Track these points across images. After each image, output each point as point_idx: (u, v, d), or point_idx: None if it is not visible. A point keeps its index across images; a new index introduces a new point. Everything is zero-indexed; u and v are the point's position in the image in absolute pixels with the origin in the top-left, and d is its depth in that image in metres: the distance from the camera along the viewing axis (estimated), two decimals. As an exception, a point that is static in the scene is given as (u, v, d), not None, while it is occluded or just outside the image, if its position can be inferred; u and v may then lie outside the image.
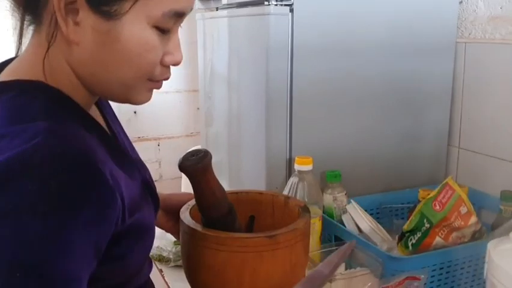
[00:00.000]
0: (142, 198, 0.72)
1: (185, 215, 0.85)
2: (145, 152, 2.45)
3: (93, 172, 0.56)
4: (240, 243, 0.77)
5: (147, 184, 0.77)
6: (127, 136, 0.85)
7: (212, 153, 0.82)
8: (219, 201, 0.83)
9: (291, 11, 1.19)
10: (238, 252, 0.77)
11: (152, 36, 0.64)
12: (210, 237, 0.79)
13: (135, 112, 2.45)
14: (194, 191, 0.83)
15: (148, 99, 0.71)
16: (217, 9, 1.51)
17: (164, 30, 0.65)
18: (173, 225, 0.96)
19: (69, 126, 0.60)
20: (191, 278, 0.85)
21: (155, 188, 0.81)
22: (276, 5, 1.18)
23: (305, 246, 0.85)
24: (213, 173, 0.83)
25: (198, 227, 0.81)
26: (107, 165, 0.59)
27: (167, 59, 0.68)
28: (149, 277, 0.86)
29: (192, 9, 0.69)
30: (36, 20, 0.65)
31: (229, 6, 1.41)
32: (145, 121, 2.48)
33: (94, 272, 0.59)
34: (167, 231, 0.99)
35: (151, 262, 0.89)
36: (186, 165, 0.79)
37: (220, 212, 0.83)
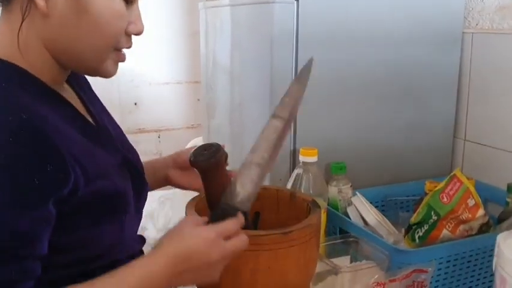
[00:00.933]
0: (116, 170, 0.75)
1: (191, 212, 0.83)
2: (145, 143, 2.43)
3: (30, 127, 0.61)
4: (254, 240, 0.75)
5: (128, 161, 0.81)
6: (112, 121, 0.89)
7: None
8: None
9: (296, -1, 1.16)
10: (253, 250, 0.75)
11: (119, 4, 0.70)
12: None
13: (136, 104, 2.42)
14: (205, 186, 0.81)
15: (115, 71, 0.77)
16: (220, -3, 1.48)
17: (128, 2, 0.71)
18: (192, 178, 0.96)
19: (14, 94, 0.64)
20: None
21: (140, 168, 0.85)
22: (281, -8, 1.16)
23: (317, 241, 0.84)
24: (225, 169, 0.81)
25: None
26: (52, 125, 0.64)
27: (131, 28, 0.73)
28: (141, 252, 0.85)
29: None
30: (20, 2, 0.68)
31: (233, -6, 1.39)
32: (145, 113, 2.45)
33: (64, 243, 0.65)
34: (185, 187, 0.99)
35: (144, 239, 0.89)
36: (199, 161, 0.77)
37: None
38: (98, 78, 0.79)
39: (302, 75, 0.87)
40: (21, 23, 0.67)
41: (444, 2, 1.34)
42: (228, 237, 0.71)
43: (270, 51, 1.19)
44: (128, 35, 0.74)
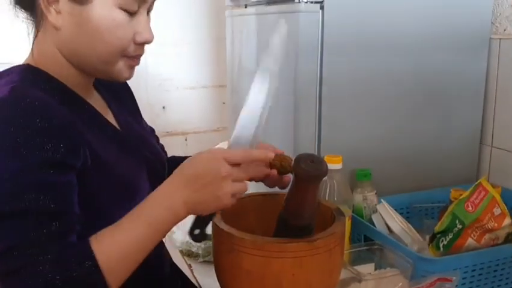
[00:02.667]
0: (128, 162, 0.84)
1: (218, 219, 0.84)
2: (173, 146, 2.47)
3: (38, 112, 0.69)
4: (279, 248, 0.76)
5: (147, 160, 0.90)
6: (141, 124, 1.01)
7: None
8: (311, 213, 0.82)
9: (322, 8, 1.18)
10: (277, 258, 0.76)
11: (119, 15, 0.77)
12: (247, 242, 0.77)
13: (164, 107, 2.48)
14: (293, 195, 0.81)
15: (129, 76, 0.84)
16: (246, 6, 1.51)
17: (130, 12, 0.78)
18: None
19: (30, 89, 0.73)
20: (225, 283, 0.85)
21: (159, 167, 0.93)
22: (306, 2, 1.18)
23: (342, 249, 0.85)
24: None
25: (234, 231, 0.80)
26: (62, 115, 0.72)
27: (138, 37, 0.80)
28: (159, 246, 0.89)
29: None
30: (35, 18, 0.80)
31: (258, 3, 1.41)
32: (173, 116, 2.50)
33: (83, 216, 0.72)
34: None
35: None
36: (304, 170, 0.77)
37: (302, 222, 0.82)
38: (129, 83, 0.84)
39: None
40: (36, 34, 0.80)
41: (471, 7, 1.33)
42: (232, 164, 0.75)
43: (295, 59, 1.20)
44: (137, 44, 0.80)
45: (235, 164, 0.75)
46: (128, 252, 0.72)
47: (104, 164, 0.79)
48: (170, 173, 0.79)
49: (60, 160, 0.70)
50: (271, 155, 0.81)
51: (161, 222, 0.74)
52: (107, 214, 0.76)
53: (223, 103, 2.46)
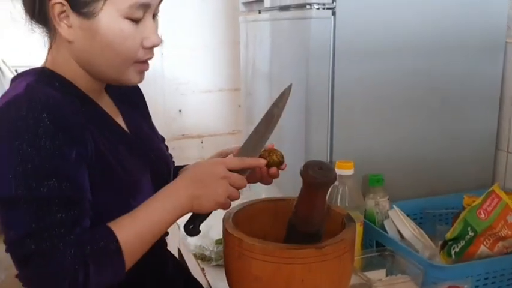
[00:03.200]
0: (131, 159, 0.88)
1: (229, 224, 0.86)
2: (189, 149, 2.51)
3: (48, 108, 0.74)
4: (288, 254, 0.77)
5: (151, 162, 0.93)
6: (151, 128, 1.04)
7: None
8: (320, 219, 0.83)
9: (333, 14, 1.18)
10: (287, 264, 0.77)
11: (125, 25, 0.80)
12: (256, 248, 0.78)
13: (180, 111, 2.51)
14: (302, 201, 0.83)
15: (139, 80, 0.87)
16: (259, 12, 1.52)
17: (136, 20, 0.80)
18: None
19: (42, 87, 0.78)
20: (235, 288, 0.86)
21: (164, 169, 0.97)
22: (318, 8, 1.18)
23: (352, 256, 0.85)
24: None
25: (245, 237, 0.81)
26: (72, 112, 0.77)
27: (146, 42, 0.83)
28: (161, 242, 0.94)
29: (158, 0, 0.83)
30: (49, 31, 0.84)
31: (272, 9, 1.42)
32: (189, 119, 2.53)
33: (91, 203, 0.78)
34: None
35: (167, 233, 0.96)
36: (312, 176, 0.78)
37: (311, 229, 0.83)
38: (145, 88, 0.90)
39: (280, 100, 0.95)
40: (51, 45, 0.85)
41: (486, 11, 1.32)
42: (229, 169, 0.86)
43: (307, 64, 1.21)
44: (145, 48, 0.83)
45: (233, 170, 0.86)
46: (142, 236, 0.80)
47: (109, 163, 0.83)
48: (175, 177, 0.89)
49: (73, 151, 0.76)
50: (264, 162, 0.91)
51: (170, 212, 0.83)
52: (105, 212, 0.79)
53: (239, 106, 2.48)
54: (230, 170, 0.86)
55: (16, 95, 0.76)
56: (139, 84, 0.94)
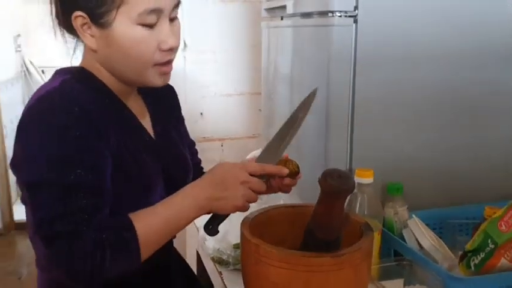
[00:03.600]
0: (147, 162, 0.92)
1: (247, 230, 0.86)
2: (209, 152, 2.53)
3: (72, 106, 0.81)
4: (305, 262, 0.78)
5: (167, 167, 0.96)
6: (180, 134, 1.07)
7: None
8: (338, 227, 0.83)
9: (355, 21, 1.18)
10: (303, 272, 0.78)
11: (138, 31, 0.83)
12: (273, 254, 0.79)
13: (201, 114, 2.54)
14: (320, 209, 0.84)
15: (162, 82, 0.90)
16: (281, 18, 1.52)
17: (149, 25, 0.84)
18: None
19: (75, 84, 0.85)
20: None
21: (178, 174, 0.99)
22: (340, 16, 1.18)
23: (369, 265, 0.85)
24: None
25: (262, 244, 0.81)
26: (98, 108, 0.84)
27: (163, 45, 0.86)
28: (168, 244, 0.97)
29: (171, 4, 0.85)
30: (78, 38, 0.90)
31: (294, 15, 1.42)
32: (210, 122, 2.56)
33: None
34: None
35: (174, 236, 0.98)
36: (330, 185, 0.79)
37: (329, 236, 0.83)
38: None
39: (305, 104, 0.97)
40: (73, 53, 0.92)
41: (508, 20, 1.30)
42: (250, 173, 0.88)
43: (327, 71, 1.22)
44: (163, 51, 0.86)
45: (253, 175, 0.88)
46: (159, 230, 0.84)
47: (126, 160, 0.87)
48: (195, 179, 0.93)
49: (98, 143, 0.82)
50: (286, 171, 0.92)
51: (188, 211, 0.86)
52: (115, 205, 0.84)
53: (259, 110, 2.50)
54: (251, 175, 0.88)
55: (52, 88, 0.83)
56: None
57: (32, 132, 0.80)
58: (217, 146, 2.62)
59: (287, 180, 0.95)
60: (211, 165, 1.07)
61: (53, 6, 0.89)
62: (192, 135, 1.16)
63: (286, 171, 0.92)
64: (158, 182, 0.94)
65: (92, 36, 0.86)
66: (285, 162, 0.94)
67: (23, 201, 0.87)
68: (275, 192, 0.99)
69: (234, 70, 2.53)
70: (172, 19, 0.88)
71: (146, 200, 0.88)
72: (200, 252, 1.48)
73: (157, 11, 0.83)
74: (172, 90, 1.09)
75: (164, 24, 0.85)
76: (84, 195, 0.78)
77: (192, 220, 0.89)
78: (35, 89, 0.91)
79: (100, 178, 0.81)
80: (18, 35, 3.62)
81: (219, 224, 0.91)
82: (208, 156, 2.54)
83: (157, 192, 0.93)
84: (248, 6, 2.45)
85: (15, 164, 0.84)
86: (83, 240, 0.76)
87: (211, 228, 0.91)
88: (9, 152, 2.51)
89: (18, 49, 3.65)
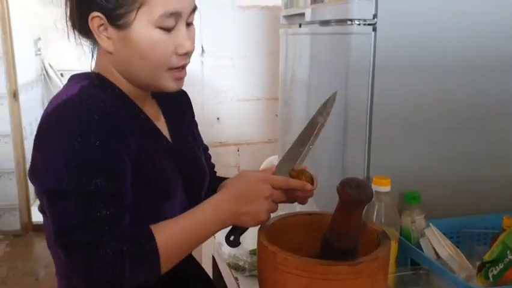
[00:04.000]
0: (165, 167, 0.91)
1: (264, 237, 0.87)
2: (225, 156, 2.55)
3: (90, 109, 0.81)
4: (322, 270, 0.78)
5: (185, 174, 0.95)
6: (195, 139, 1.07)
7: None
8: (355, 236, 0.84)
9: (374, 30, 1.19)
10: (320, 280, 0.78)
11: (156, 34, 0.83)
12: (290, 262, 0.79)
13: (218, 118, 2.55)
14: (338, 218, 0.84)
15: (176, 87, 0.90)
16: (300, 25, 1.53)
17: (168, 29, 0.84)
18: None
19: (94, 90, 0.85)
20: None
21: (197, 180, 0.99)
22: (359, 24, 1.19)
23: (385, 274, 0.85)
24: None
25: (279, 251, 0.82)
26: (117, 114, 0.84)
27: (179, 49, 0.86)
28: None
29: (189, 9, 0.86)
30: (93, 41, 0.90)
31: (312, 23, 1.43)
32: (226, 127, 2.57)
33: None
34: None
35: None
36: (348, 194, 0.79)
37: (346, 245, 0.84)
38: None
39: (324, 108, 0.97)
40: (92, 54, 0.91)
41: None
42: (274, 187, 0.89)
43: (346, 79, 1.22)
44: (179, 55, 0.86)
45: (277, 188, 0.89)
46: (181, 242, 0.84)
47: (145, 165, 0.86)
48: (211, 187, 0.96)
49: (119, 149, 0.81)
50: (309, 187, 0.92)
51: (210, 224, 0.86)
52: (135, 211, 0.83)
53: (276, 115, 2.51)
54: (275, 188, 0.89)
55: (71, 95, 0.82)
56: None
57: (52, 140, 0.80)
58: (233, 151, 2.63)
59: (300, 194, 0.94)
60: (226, 170, 1.09)
61: (68, 8, 0.88)
62: (208, 140, 1.18)
63: (310, 187, 0.91)
64: (177, 186, 0.94)
65: (109, 38, 0.85)
66: (299, 173, 0.92)
67: (41, 211, 0.87)
68: (291, 202, 0.98)
69: (251, 76, 2.55)
70: (189, 24, 0.88)
71: (166, 205, 0.89)
72: (216, 258, 1.49)
73: (176, 15, 0.84)
74: (186, 96, 1.09)
75: (181, 28, 0.86)
76: (105, 204, 0.77)
77: (214, 233, 0.88)
78: (54, 92, 0.92)
79: (120, 183, 0.80)
80: (39, 39, 3.69)
81: (240, 235, 0.91)
82: (224, 161, 2.55)
83: (177, 198, 0.93)
84: (266, 13, 2.46)
85: (34, 172, 0.83)
86: (103, 250, 0.75)
87: (233, 240, 0.91)
88: (28, 154, 2.55)
89: (38, 52, 3.72)
